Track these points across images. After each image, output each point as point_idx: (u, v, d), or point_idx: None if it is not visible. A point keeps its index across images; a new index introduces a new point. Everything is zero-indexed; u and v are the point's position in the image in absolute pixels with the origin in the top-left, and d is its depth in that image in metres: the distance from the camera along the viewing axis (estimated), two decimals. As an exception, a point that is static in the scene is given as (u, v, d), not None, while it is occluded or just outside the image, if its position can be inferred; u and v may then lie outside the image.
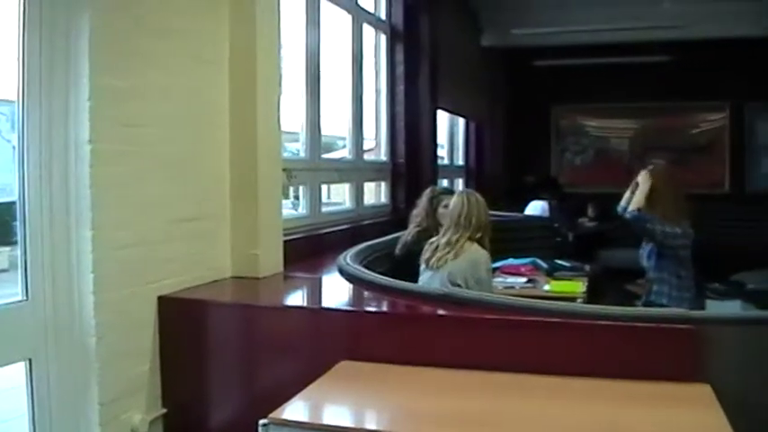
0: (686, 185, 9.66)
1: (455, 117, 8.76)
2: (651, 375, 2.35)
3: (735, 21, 8.23)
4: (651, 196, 4.29)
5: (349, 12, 5.71)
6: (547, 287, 4.76)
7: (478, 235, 3.80)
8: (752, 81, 9.64)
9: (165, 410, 2.97)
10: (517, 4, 8.44)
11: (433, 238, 3.93)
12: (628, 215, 4.34)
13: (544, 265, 5.27)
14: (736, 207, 9.75)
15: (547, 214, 7.71)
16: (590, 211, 8.96)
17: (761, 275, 6.44)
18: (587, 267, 5.50)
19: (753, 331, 2.50)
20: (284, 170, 4.08)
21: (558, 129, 10.63)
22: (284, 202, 4.40)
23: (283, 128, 3.81)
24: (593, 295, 4.87)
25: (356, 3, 5.81)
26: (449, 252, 3.74)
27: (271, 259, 3.58)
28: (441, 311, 2.89)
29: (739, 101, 10.02)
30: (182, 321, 2.99)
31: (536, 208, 7.88)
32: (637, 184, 4.37)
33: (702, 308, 4.72)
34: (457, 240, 3.77)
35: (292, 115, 4.85)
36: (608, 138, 10.53)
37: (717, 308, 4.84)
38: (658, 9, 7.55)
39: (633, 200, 4.33)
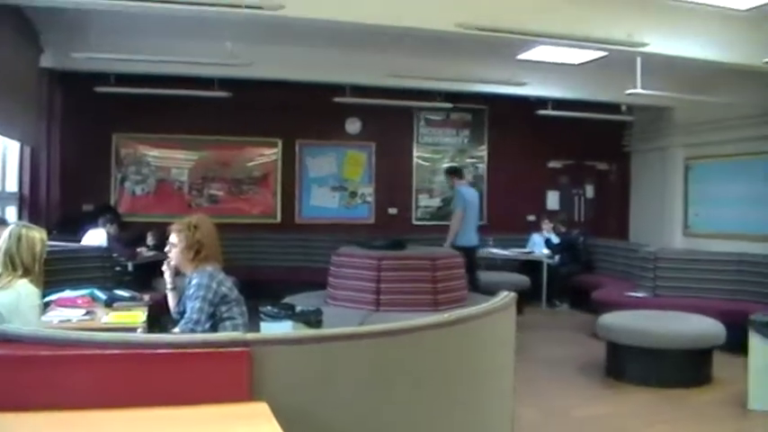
0: (242, 215, 10.48)
1: (7, 140, 8.07)
2: (212, 399, 2.47)
3: (284, 63, 9.06)
4: (200, 252, 3.95)
5: None
6: (106, 318, 4.67)
7: (26, 271, 3.70)
8: (302, 120, 10.83)
9: None
10: (78, 26, 8.12)
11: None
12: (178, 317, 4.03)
13: (103, 296, 5.17)
14: (286, 235, 10.74)
15: (105, 243, 7.59)
16: (149, 240, 8.97)
17: (308, 297, 7.10)
18: (147, 297, 5.52)
19: (301, 349, 2.75)
20: None
21: (118, 157, 10.48)
22: None
23: None
24: (153, 324, 4.91)
25: None
26: (-7, 288, 3.55)
27: None
28: (-8, 350, 2.69)
29: (291, 137, 11.07)
30: None
31: (94, 237, 7.72)
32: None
33: (257, 330, 5.04)
34: (3, 277, 3.64)
35: None
36: (169, 168, 10.69)
37: (270, 329, 5.19)
38: (220, 47, 7.92)
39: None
